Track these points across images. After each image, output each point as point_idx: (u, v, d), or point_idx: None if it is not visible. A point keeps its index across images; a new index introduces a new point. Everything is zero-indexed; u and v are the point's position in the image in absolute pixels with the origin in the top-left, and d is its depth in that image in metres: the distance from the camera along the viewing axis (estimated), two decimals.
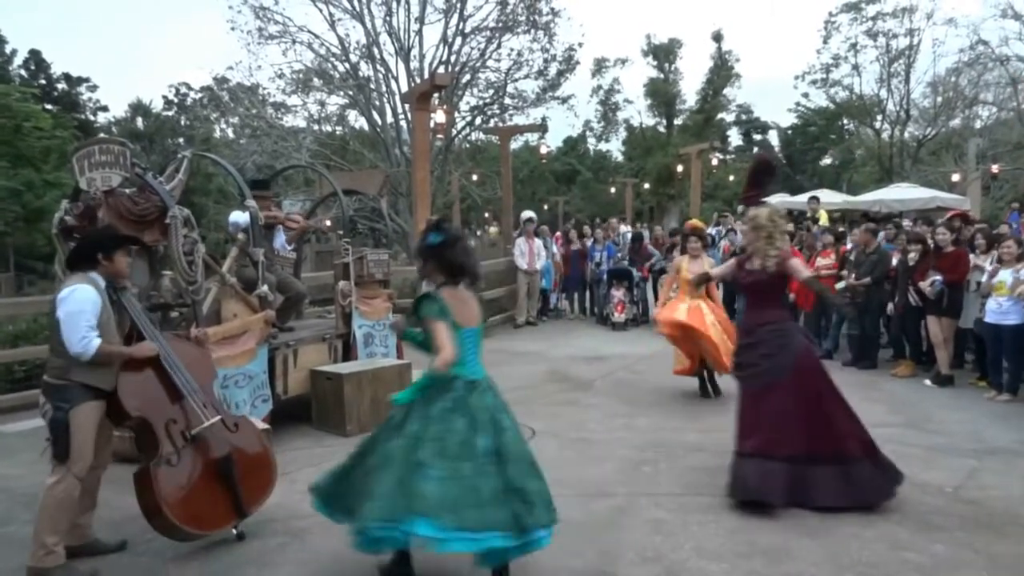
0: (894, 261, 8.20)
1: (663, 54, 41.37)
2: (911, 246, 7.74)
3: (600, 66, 40.39)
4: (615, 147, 46.60)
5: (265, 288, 5.72)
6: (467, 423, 3.16)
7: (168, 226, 4.85)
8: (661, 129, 42.87)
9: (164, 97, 39.40)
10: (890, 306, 8.08)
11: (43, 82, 34.28)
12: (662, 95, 41.55)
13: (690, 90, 45.14)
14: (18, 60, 34.18)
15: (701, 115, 41.01)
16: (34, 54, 35.01)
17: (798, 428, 4.25)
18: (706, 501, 4.42)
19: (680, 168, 29.06)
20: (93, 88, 37.81)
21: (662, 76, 41.80)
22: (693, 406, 6.74)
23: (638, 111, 43.19)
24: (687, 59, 58.24)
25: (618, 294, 11.52)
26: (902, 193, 15.51)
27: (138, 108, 38.24)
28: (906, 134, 29.41)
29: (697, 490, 4.60)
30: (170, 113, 39.43)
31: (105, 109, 38.55)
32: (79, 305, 3.45)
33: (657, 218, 35.80)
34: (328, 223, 11.99)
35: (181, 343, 4.16)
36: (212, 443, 3.82)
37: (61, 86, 36.36)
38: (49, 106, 30.12)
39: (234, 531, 3.88)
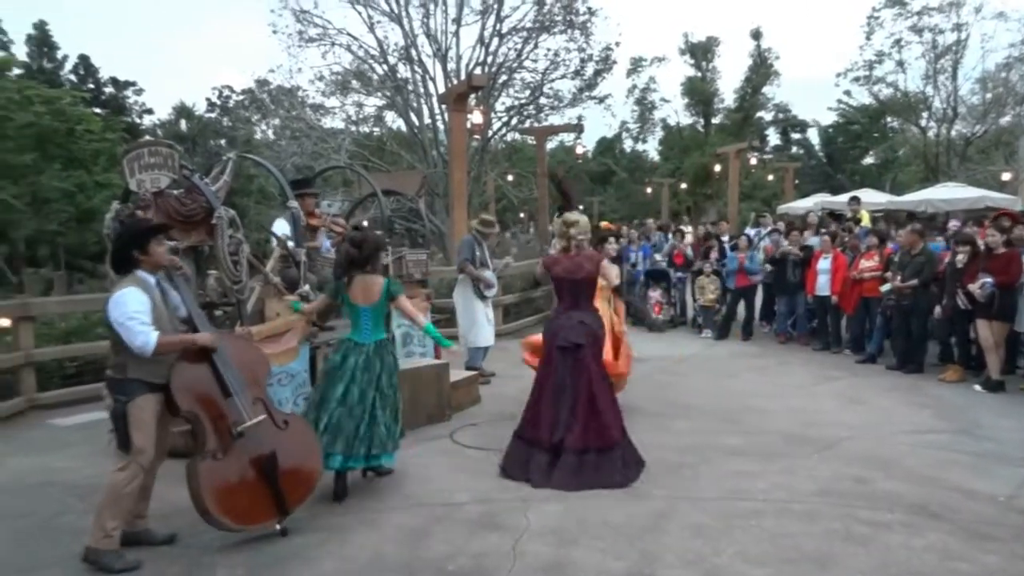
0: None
1: (701, 52, 40.99)
2: (960, 247, 7.53)
3: (636, 65, 40.18)
4: (652, 147, 46.31)
5: (307, 288, 5.81)
6: (337, 372, 4.43)
7: (214, 226, 4.96)
8: (699, 128, 42.43)
9: (207, 100, 40.31)
10: (937, 309, 7.86)
11: (92, 86, 35.26)
12: (699, 94, 41.15)
13: (728, 89, 44.66)
14: (68, 65, 35.34)
15: (739, 114, 40.51)
16: (83, 59, 36.10)
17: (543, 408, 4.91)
18: (749, 506, 4.37)
19: (718, 168, 28.75)
20: (139, 92, 38.88)
21: (700, 75, 41.38)
22: (733, 409, 6.65)
23: (675, 110, 43.02)
24: (725, 57, 57.91)
25: (655, 295, 11.43)
26: (949, 193, 15.06)
27: (182, 111, 39.07)
28: (953, 132, 28.53)
29: (739, 494, 4.54)
30: (212, 115, 40.24)
31: (150, 112, 39.55)
32: (127, 308, 3.58)
33: (695, 218, 35.42)
34: (366, 223, 12.11)
35: (233, 339, 4.21)
36: (257, 441, 3.89)
37: (108, 90, 37.38)
38: (98, 109, 30.93)
39: (277, 527, 3.95)
